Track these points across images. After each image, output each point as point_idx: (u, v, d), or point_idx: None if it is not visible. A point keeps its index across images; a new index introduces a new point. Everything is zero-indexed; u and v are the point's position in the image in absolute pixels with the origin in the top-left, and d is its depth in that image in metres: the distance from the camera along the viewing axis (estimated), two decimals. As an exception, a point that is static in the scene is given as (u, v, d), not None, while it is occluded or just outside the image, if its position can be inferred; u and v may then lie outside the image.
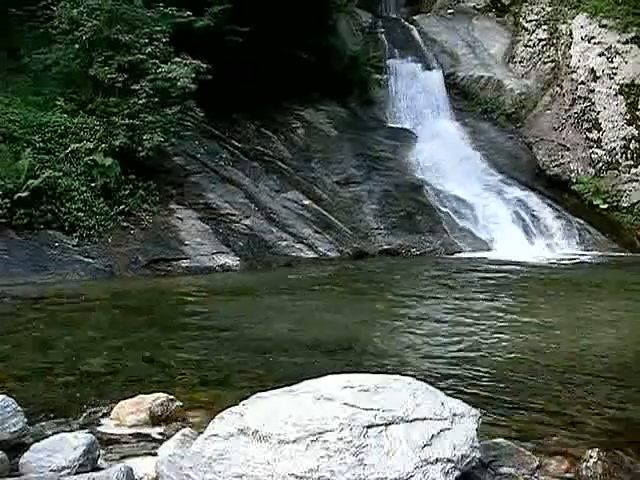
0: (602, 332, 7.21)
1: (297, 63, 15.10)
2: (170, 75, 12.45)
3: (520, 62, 19.25)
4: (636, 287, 10.31)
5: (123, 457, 3.65)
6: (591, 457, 3.46)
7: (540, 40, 19.09)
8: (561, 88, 17.65)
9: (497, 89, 18.70)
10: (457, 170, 16.52)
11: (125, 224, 12.01)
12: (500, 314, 8.10)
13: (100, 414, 4.33)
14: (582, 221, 15.66)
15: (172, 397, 4.37)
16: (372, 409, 3.16)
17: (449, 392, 3.70)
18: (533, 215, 15.63)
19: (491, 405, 4.53)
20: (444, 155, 16.80)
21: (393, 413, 3.17)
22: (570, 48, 17.83)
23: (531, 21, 19.54)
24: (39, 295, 9.21)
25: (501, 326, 7.43)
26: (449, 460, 3.06)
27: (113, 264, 11.19)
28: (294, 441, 3.01)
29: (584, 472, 3.42)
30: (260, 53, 14.48)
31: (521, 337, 6.86)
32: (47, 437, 3.68)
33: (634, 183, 15.92)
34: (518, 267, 12.48)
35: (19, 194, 10.94)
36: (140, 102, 12.31)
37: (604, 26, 17.40)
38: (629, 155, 16.24)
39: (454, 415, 3.29)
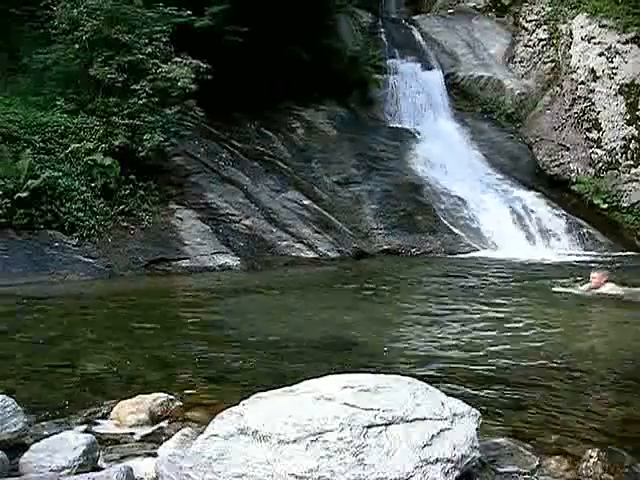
0: (603, 333, 7.22)
1: (297, 63, 15.10)
2: (170, 75, 12.45)
3: (520, 62, 19.27)
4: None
5: (123, 457, 3.65)
6: (591, 457, 3.46)
7: (540, 40, 19.10)
8: (561, 88, 17.65)
9: (497, 89, 18.71)
10: (457, 170, 16.53)
11: (125, 224, 12.01)
12: (500, 314, 8.09)
13: (100, 414, 4.32)
14: (582, 221, 15.66)
15: (172, 397, 4.37)
16: (372, 409, 3.16)
17: (449, 392, 3.70)
18: (533, 215, 15.64)
19: (491, 405, 4.52)
20: (444, 155, 16.81)
21: (393, 413, 3.17)
22: (570, 48, 17.84)
23: (531, 21, 19.55)
24: (39, 295, 9.20)
25: (501, 326, 7.42)
26: (449, 460, 3.06)
27: (113, 264, 11.19)
28: (294, 441, 3.01)
29: (584, 472, 3.42)
30: (260, 53, 14.48)
31: (521, 337, 6.86)
32: (47, 437, 3.68)
33: (634, 183, 15.93)
34: (518, 267, 12.48)
35: (19, 194, 10.94)
36: (140, 102, 12.31)
37: (604, 26, 17.41)
38: (629, 155, 16.25)
39: (454, 415, 3.29)
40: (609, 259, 13.84)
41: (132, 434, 4.04)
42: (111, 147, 12.18)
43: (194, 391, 4.88)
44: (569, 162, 16.62)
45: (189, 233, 12.40)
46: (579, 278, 10.14)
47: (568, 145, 16.79)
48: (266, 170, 14.82)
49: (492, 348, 6.39)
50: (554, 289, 9.80)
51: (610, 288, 9.31)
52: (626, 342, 6.77)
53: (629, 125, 16.46)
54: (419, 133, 17.62)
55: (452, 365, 5.77)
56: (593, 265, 11.96)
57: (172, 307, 9.06)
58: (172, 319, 8.30)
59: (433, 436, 3.12)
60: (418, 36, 20.08)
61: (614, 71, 16.93)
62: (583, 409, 4.60)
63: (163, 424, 4.14)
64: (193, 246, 12.16)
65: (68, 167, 11.90)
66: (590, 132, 16.72)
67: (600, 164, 16.34)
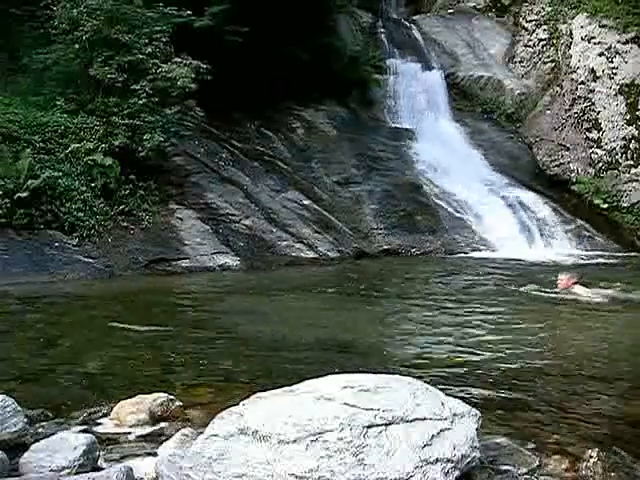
0: (603, 333, 7.21)
1: (297, 63, 15.09)
2: (170, 75, 12.45)
3: (520, 62, 19.26)
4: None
5: (123, 457, 3.65)
6: (591, 457, 3.46)
7: (540, 40, 19.10)
8: (561, 88, 17.65)
9: (497, 89, 18.70)
10: (457, 170, 16.52)
11: (125, 224, 12.01)
12: (500, 315, 8.10)
13: (100, 414, 4.32)
14: (582, 221, 15.67)
15: (172, 397, 4.37)
16: (372, 409, 3.16)
17: (449, 392, 3.70)
18: (533, 215, 15.64)
19: (491, 405, 4.52)
20: (444, 155, 16.81)
21: (393, 413, 3.17)
22: (570, 48, 17.84)
23: (531, 21, 19.55)
24: (39, 295, 9.20)
25: (501, 327, 7.43)
26: (449, 460, 3.06)
27: (113, 264, 11.20)
28: (294, 441, 3.01)
29: (584, 472, 3.42)
30: (260, 53, 14.48)
31: (521, 338, 6.86)
32: (47, 437, 3.68)
33: (634, 183, 15.92)
34: (518, 267, 12.48)
35: (19, 194, 10.94)
36: (140, 102, 12.31)
37: (604, 26, 17.41)
38: (629, 155, 16.25)
39: (454, 415, 3.29)
40: (609, 259, 13.85)
41: (132, 434, 4.04)
42: (111, 147, 12.18)
43: (194, 391, 4.88)
44: (569, 162, 16.61)
45: (189, 233, 12.41)
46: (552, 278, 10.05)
47: (568, 145, 16.78)
48: (266, 170, 14.81)
49: (491, 348, 6.39)
50: (523, 289, 9.72)
51: (579, 290, 9.12)
52: (623, 343, 6.78)
53: (629, 125, 16.46)
54: (419, 133, 17.60)
55: (452, 365, 5.77)
56: (600, 265, 11.98)
57: (172, 307, 9.06)
58: (172, 319, 8.30)
59: (433, 436, 3.12)
60: (418, 36, 20.07)
61: (614, 71, 16.92)
62: (583, 409, 4.60)
63: (163, 424, 4.14)
64: (193, 246, 12.16)
65: (68, 167, 11.90)
66: (590, 132, 16.71)
67: (600, 164, 16.34)
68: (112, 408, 4.30)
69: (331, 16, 17.57)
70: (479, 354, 6.17)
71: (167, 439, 3.78)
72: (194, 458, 3.12)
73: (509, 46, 19.76)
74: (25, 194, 10.96)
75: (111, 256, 11.32)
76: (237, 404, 3.37)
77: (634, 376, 5.56)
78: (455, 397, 3.56)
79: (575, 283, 9.28)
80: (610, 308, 8.45)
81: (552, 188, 16.54)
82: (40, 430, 3.98)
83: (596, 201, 15.80)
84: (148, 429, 4.09)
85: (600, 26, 17.46)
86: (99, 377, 5.41)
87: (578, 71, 17.38)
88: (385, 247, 14.33)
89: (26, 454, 3.47)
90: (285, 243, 13.02)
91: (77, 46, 12.55)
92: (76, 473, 3.32)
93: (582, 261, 13.62)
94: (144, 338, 6.85)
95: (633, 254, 14.66)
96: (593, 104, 16.91)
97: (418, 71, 18.83)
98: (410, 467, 2.96)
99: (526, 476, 3.40)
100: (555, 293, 9.29)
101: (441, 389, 3.61)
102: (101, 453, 3.61)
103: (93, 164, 12.07)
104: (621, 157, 16.27)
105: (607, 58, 17.08)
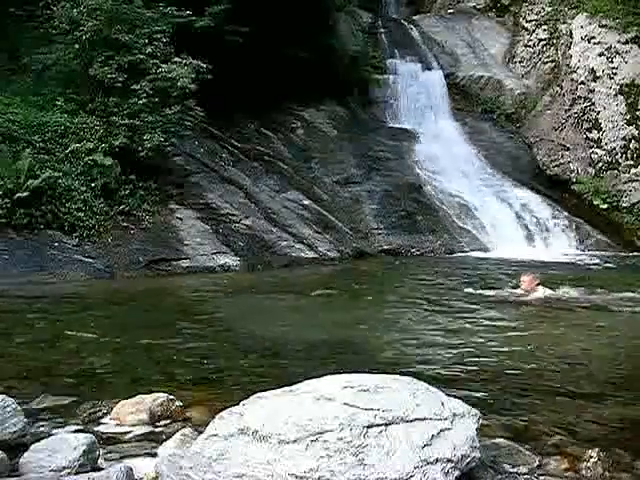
0: (602, 334, 7.21)
1: (297, 63, 15.10)
2: (170, 75, 12.45)
3: (520, 62, 19.27)
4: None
5: (123, 457, 3.64)
6: (591, 457, 3.46)
7: (540, 40, 19.10)
8: (561, 88, 17.66)
9: (497, 89, 18.71)
10: (457, 170, 16.54)
11: (125, 224, 12.01)
12: (500, 316, 8.10)
13: (100, 414, 4.32)
14: (582, 221, 15.67)
15: (172, 397, 4.36)
16: (372, 409, 3.15)
17: (449, 392, 3.70)
18: (533, 215, 15.65)
19: (491, 405, 4.52)
20: (444, 155, 16.82)
21: (393, 413, 3.17)
22: (570, 48, 17.84)
23: (531, 21, 19.56)
24: (39, 295, 9.20)
25: (501, 327, 7.43)
26: (449, 460, 3.06)
27: (113, 264, 11.19)
28: (294, 441, 3.01)
29: (584, 472, 3.42)
30: (260, 53, 14.49)
31: (521, 338, 6.86)
32: (47, 437, 3.68)
33: (634, 183, 15.93)
34: (517, 267, 12.47)
35: (19, 194, 10.95)
36: (140, 102, 12.31)
37: (604, 26, 17.41)
38: (629, 155, 16.25)
39: (454, 415, 3.29)
40: (608, 259, 13.85)
41: (132, 434, 4.04)
42: (111, 147, 12.19)
43: (194, 391, 4.88)
44: (569, 162, 16.62)
45: (189, 233, 12.40)
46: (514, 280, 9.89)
47: (568, 145, 16.79)
48: (266, 170, 14.82)
49: (493, 348, 6.39)
50: (482, 292, 9.54)
51: (542, 292, 8.92)
52: (619, 342, 6.78)
53: (629, 125, 16.46)
54: (419, 133, 17.62)
55: (452, 365, 5.77)
56: (598, 266, 11.94)
57: (172, 307, 9.06)
58: (172, 319, 8.29)
59: (433, 436, 3.12)
60: (418, 36, 20.08)
61: (614, 71, 16.93)
62: (583, 409, 4.60)
63: (163, 424, 4.14)
64: (193, 246, 12.16)
65: (68, 167, 11.91)
66: (590, 132, 16.72)
67: (600, 164, 16.34)
68: (112, 408, 4.30)
69: (331, 16, 17.57)
70: (478, 354, 6.17)
71: (167, 439, 3.78)
72: (194, 458, 3.11)
73: (509, 46, 19.77)
74: (25, 194, 10.97)
75: (111, 256, 11.32)
76: (237, 404, 3.37)
77: (630, 376, 5.56)
78: (455, 397, 3.56)
79: (538, 284, 9.09)
80: (580, 309, 8.37)
81: (552, 188, 16.56)
82: (40, 430, 3.98)
83: (596, 201, 15.80)
84: (148, 429, 4.08)
85: (600, 26, 17.46)
86: (99, 377, 5.41)
87: (578, 71, 17.39)
88: (385, 247, 14.34)
89: (26, 454, 3.46)
90: (285, 243, 13.02)
91: (77, 46, 12.56)
92: (76, 473, 3.32)
93: (581, 261, 13.63)
94: (144, 337, 6.84)
95: (633, 254, 14.67)
96: (593, 104, 16.92)
97: (418, 71, 18.84)
98: (410, 467, 2.96)
99: (526, 476, 3.40)
100: (518, 295, 9.09)
101: (441, 389, 3.61)
102: (101, 453, 3.60)
103: (93, 164, 12.07)
104: (621, 157, 16.27)
105: (607, 58, 17.08)
